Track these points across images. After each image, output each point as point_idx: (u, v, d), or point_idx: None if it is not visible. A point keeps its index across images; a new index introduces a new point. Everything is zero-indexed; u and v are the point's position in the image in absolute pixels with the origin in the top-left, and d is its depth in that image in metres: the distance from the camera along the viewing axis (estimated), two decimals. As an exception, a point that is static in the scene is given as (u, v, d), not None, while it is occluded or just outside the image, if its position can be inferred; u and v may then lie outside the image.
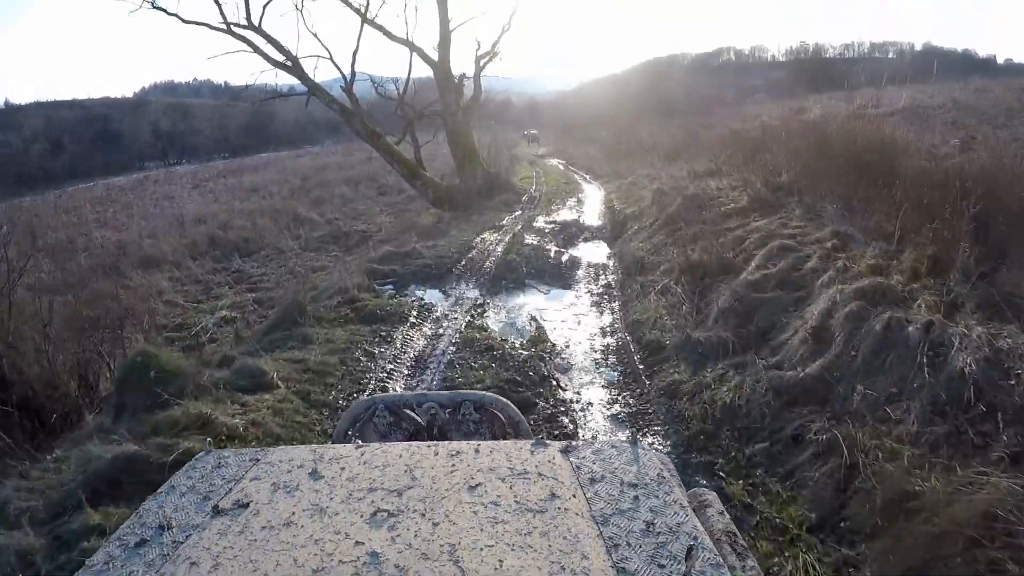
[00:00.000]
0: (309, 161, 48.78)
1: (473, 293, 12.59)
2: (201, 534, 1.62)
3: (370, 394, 7.06)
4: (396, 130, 24.77)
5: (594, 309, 11.44)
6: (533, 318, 10.87)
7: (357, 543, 1.53)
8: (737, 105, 60.53)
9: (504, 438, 2.83)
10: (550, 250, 15.54)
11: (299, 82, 23.16)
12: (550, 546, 1.51)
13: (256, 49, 22.15)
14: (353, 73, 23.13)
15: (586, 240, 17.57)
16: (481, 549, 1.50)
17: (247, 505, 1.72)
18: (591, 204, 22.84)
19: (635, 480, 1.81)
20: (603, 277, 13.51)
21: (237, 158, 64.21)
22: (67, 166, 65.29)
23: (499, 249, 15.78)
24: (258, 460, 1.96)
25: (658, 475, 1.83)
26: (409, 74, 24.02)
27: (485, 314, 11.30)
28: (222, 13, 21.43)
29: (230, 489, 1.81)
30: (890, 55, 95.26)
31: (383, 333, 10.18)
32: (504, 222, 19.72)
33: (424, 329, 10.57)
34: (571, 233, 18.00)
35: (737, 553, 1.87)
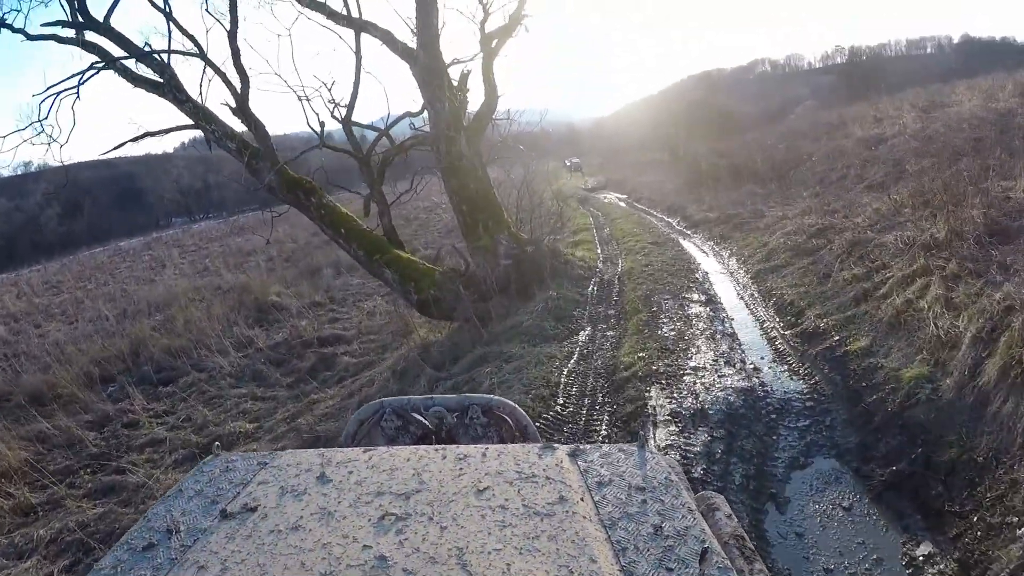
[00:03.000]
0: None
1: None
2: (209, 538, 1.47)
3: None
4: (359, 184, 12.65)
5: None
6: None
7: (365, 547, 1.39)
8: (790, 113, 49.32)
9: (512, 442, 2.55)
10: None
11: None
12: (558, 550, 1.37)
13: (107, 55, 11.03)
14: (244, 78, 10.71)
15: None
16: (489, 553, 1.35)
17: (255, 509, 1.56)
18: (733, 305, 9.64)
19: (643, 484, 1.64)
20: None
21: (264, 209, 54.85)
22: (88, 228, 58.70)
23: None
24: (266, 464, 1.79)
25: (666, 479, 1.67)
26: (358, 76, 11.43)
27: None
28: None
29: (238, 493, 1.65)
30: (928, 50, 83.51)
31: None
32: (559, 405, 6.93)
33: None
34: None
35: (745, 557, 1.67)
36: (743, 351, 7.74)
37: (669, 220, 19.24)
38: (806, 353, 7.35)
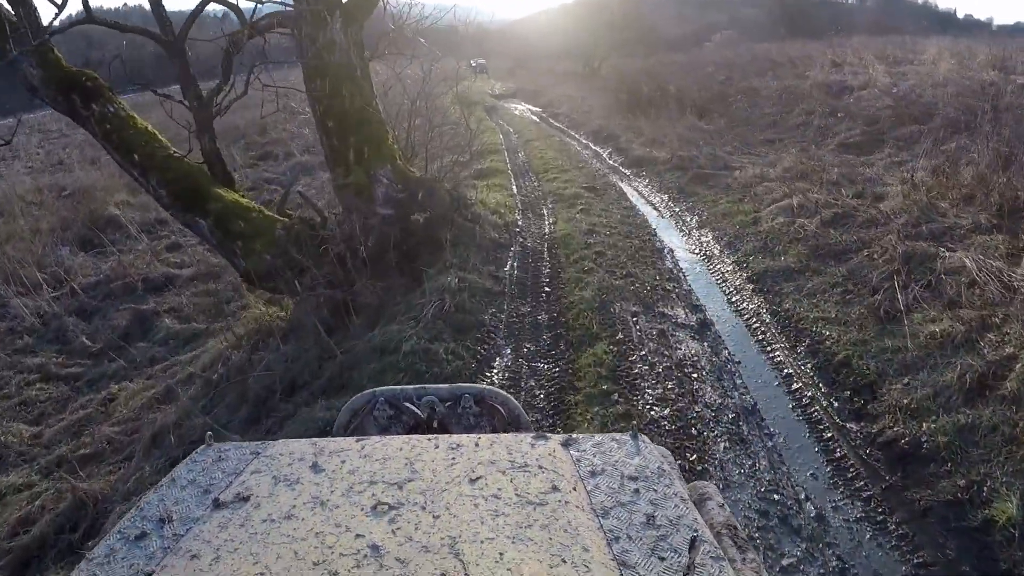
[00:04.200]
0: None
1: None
2: (202, 527, 1.41)
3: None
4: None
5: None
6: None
7: (358, 536, 1.34)
8: (706, 40, 46.26)
9: (504, 431, 2.34)
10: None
11: None
12: (550, 539, 1.32)
13: None
14: None
15: None
16: (482, 542, 1.30)
17: (248, 498, 1.50)
18: (738, 337, 5.93)
19: (635, 473, 1.59)
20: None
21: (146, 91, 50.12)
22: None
23: None
24: (258, 453, 1.71)
25: (658, 468, 1.61)
26: None
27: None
28: None
29: (231, 482, 1.58)
30: (851, 0, 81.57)
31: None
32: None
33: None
34: None
35: (737, 546, 1.59)
36: (784, 462, 4.27)
37: (599, 151, 15.45)
38: (903, 496, 3.93)
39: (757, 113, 17.80)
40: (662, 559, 1.29)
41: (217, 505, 1.47)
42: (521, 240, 8.54)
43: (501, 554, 1.26)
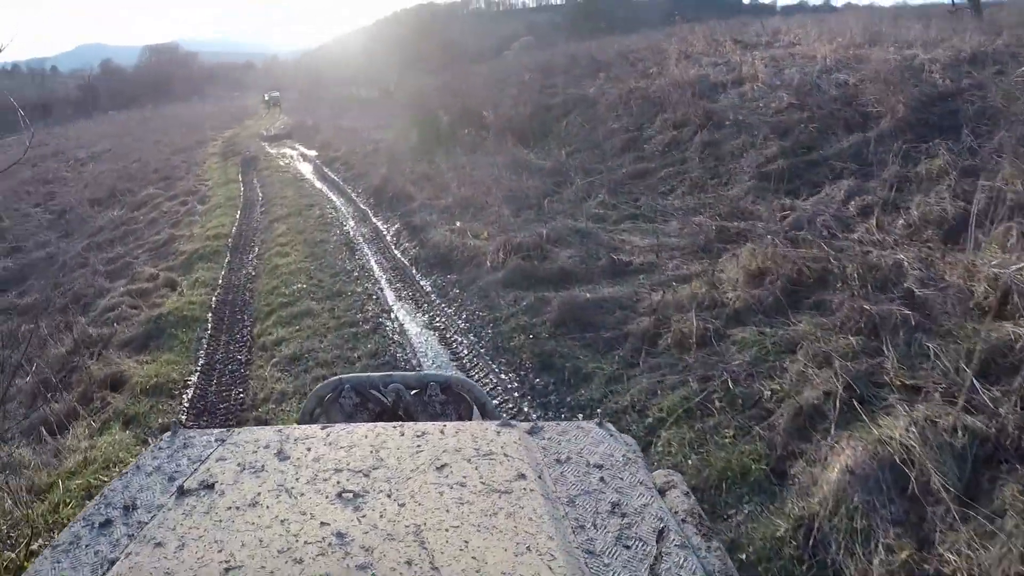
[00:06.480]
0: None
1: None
2: (166, 514, 1.33)
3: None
4: None
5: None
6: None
7: (323, 523, 1.25)
8: (506, 49, 42.21)
9: (470, 419, 2.30)
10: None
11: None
12: (516, 527, 1.24)
13: None
14: None
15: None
16: (447, 529, 1.24)
17: (213, 486, 1.41)
18: None
19: (601, 461, 1.52)
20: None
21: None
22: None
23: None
24: (224, 441, 1.62)
25: (624, 456, 1.55)
26: None
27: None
28: None
29: (195, 470, 1.49)
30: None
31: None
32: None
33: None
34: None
35: (702, 534, 1.50)
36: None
37: (382, 229, 9.54)
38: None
39: (603, 131, 12.49)
40: (627, 547, 1.24)
41: (182, 492, 1.38)
42: None
43: (466, 542, 1.19)
